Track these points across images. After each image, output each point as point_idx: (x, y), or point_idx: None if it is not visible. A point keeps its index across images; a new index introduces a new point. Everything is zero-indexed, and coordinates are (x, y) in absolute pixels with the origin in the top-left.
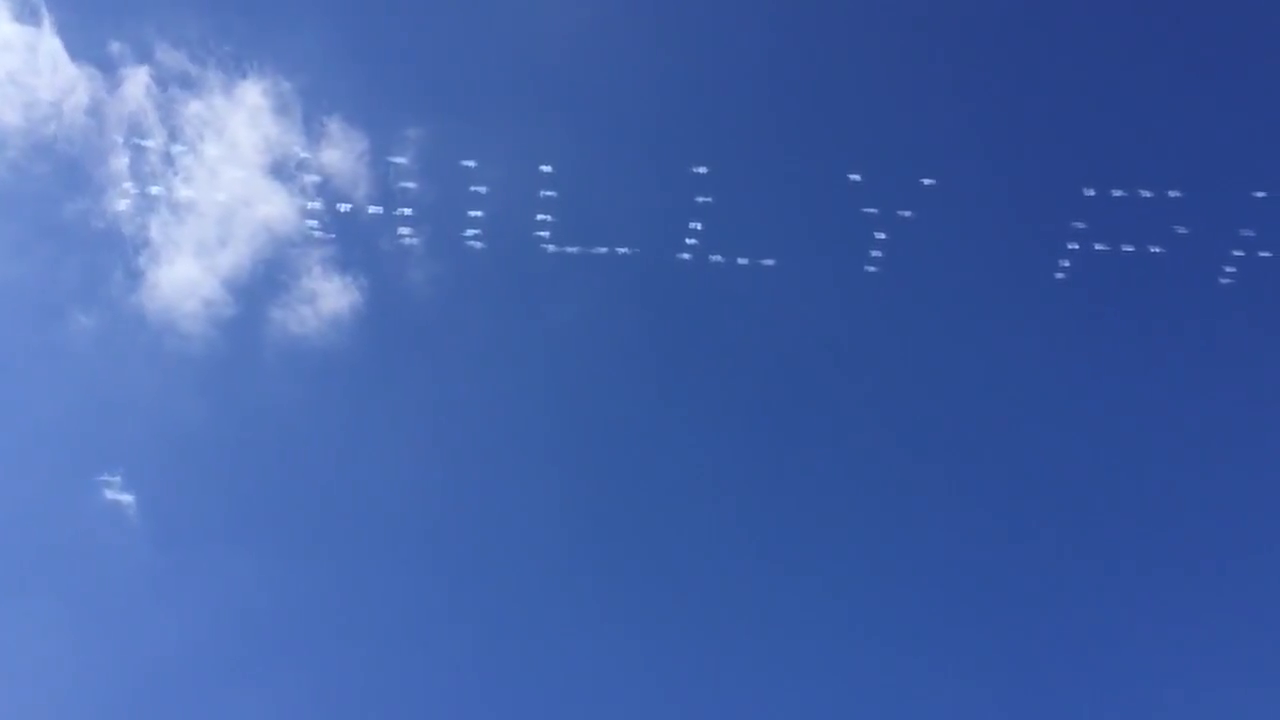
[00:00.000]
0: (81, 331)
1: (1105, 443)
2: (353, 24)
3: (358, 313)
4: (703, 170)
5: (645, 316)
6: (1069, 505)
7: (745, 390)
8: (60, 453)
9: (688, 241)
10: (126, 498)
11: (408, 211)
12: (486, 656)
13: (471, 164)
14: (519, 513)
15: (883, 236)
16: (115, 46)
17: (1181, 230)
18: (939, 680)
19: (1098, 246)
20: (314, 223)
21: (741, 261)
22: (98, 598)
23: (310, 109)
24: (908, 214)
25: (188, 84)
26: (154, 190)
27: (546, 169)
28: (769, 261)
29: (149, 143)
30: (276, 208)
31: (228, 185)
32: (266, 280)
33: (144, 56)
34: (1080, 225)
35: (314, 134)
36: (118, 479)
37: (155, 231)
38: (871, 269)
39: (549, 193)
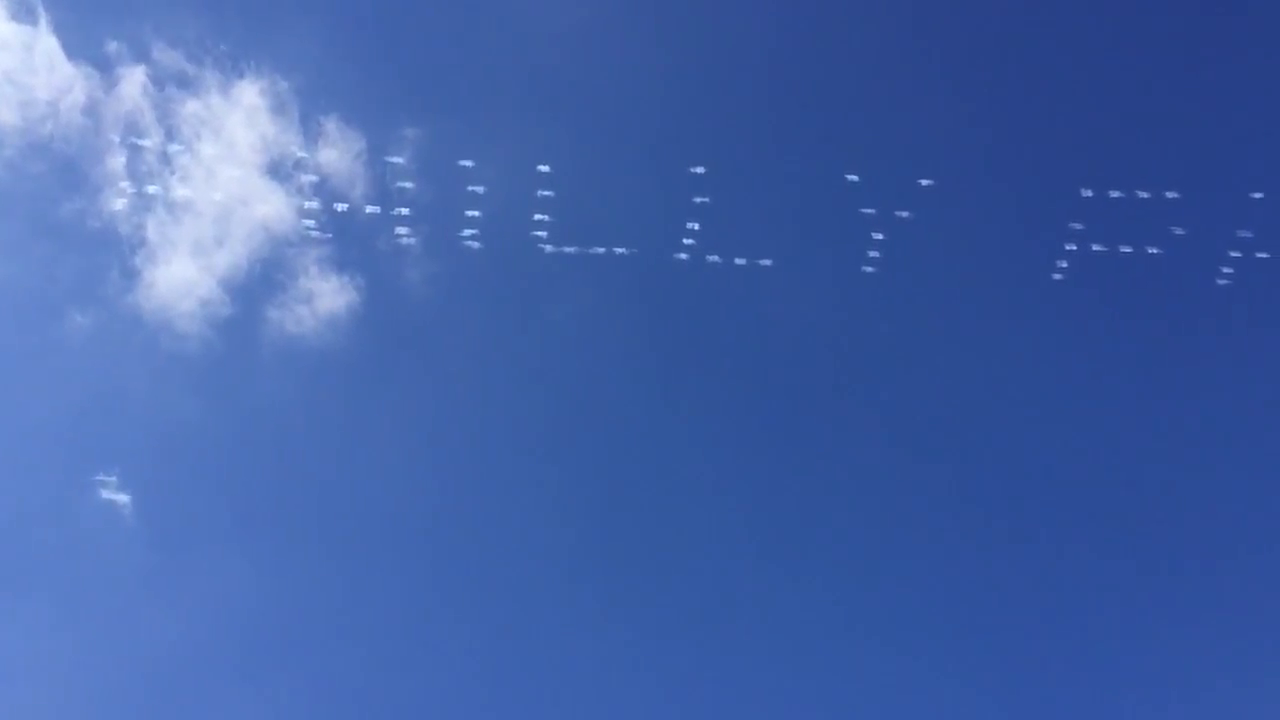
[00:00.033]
0: (78, 331)
1: (1103, 443)
2: (350, 24)
3: (355, 312)
4: (700, 170)
5: (642, 316)
6: (1067, 505)
7: (743, 390)
8: (56, 452)
9: (685, 242)
10: (122, 497)
11: (405, 211)
12: (484, 656)
13: (469, 164)
14: (516, 513)
15: (880, 237)
16: (112, 46)
17: (1179, 231)
18: (938, 679)
19: (1095, 247)
20: (311, 222)
21: (739, 262)
22: (93, 597)
23: (307, 108)
24: (905, 214)
25: (185, 83)
26: (151, 190)
27: (544, 169)
28: (766, 262)
29: (146, 142)
30: (273, 207)
31: (224, 185)
32: (263, 280)
33: (141, 56)
34: (1078, 226)
35: (311, 133)
36: (114, 478)
37: (152, 231)
38: (869, 269)
39: (546, 193)
